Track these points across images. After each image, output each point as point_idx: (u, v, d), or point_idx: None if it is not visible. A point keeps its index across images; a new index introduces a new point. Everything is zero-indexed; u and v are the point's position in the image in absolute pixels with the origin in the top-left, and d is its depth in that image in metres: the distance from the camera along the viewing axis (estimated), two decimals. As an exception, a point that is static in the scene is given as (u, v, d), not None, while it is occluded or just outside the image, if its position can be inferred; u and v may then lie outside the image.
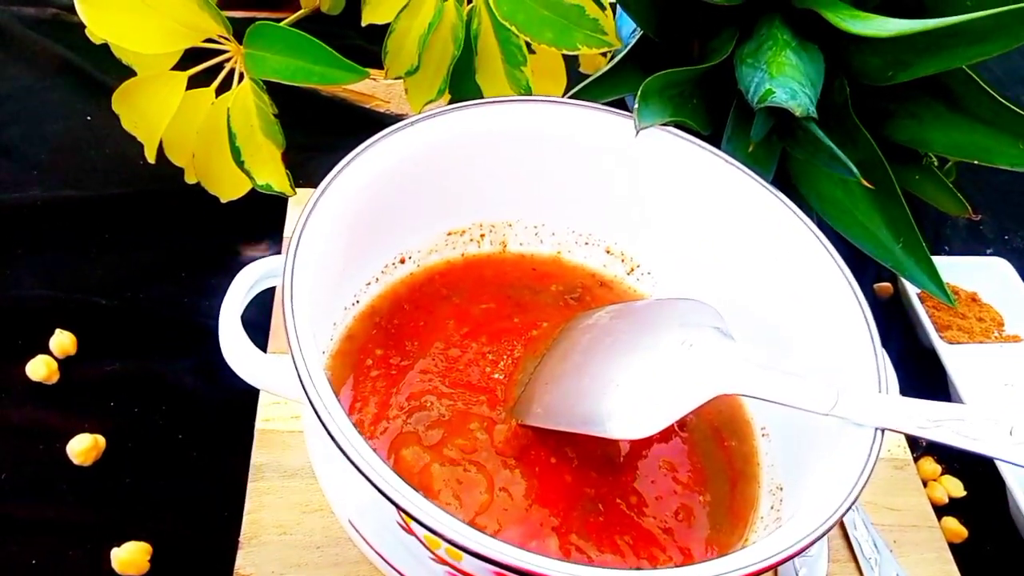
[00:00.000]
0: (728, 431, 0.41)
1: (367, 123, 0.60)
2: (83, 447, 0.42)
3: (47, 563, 0.39)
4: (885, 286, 0.60)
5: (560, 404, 0.36)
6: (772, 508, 0.37)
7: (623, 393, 0.35)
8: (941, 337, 0.55)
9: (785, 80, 0.44)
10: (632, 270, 0.47)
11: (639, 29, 0.49)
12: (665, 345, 0.36)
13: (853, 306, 0.37)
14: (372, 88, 0.63)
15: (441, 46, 0.48)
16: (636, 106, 0.42)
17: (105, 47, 0.49)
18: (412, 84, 0.49)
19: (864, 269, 0.60)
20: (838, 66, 0.48)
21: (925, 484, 0.49)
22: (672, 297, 0.43)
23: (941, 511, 0.48)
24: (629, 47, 0.49)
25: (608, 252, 0.47)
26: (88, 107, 0.59)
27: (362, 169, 0.38)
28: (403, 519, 0.30)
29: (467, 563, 0.30)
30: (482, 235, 0.46)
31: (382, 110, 0.62)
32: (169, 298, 0.50)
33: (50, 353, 0.45)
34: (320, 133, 0.57)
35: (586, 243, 0.47)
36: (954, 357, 0.54)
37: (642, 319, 0.39)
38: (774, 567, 0.29)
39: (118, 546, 0.39)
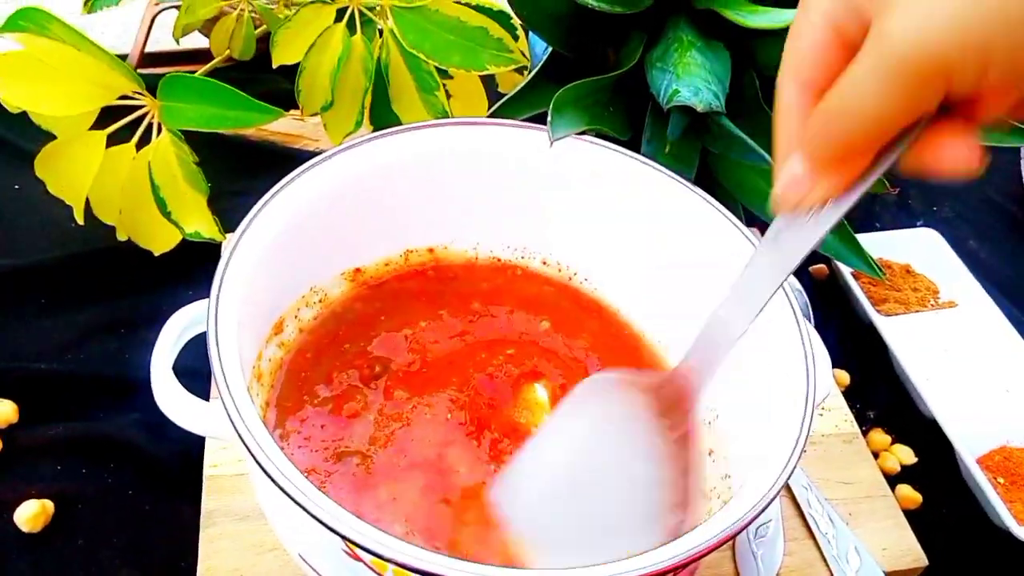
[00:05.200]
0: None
1: (298, 163, 0.61)
2: (31, 513, 0.41)
3: (3, 636, 0.39)
4: (820, 268, 0.61)
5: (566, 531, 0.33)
6: (720, 499, 0.38)
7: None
8: (878, 311, 0.56)
9: (691, 79, 0.45)
10: (570, 279, 0.47)
11: (549, 45, 0.50)
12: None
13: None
14: (300, 128, 0.64)
15: (353, 79, 0.48)
16: (549, 118, 0.43)
17: (24, 115, 0.49)
18: (329, 119, 0.50)
19: (798, 254, 0.61)
20: (745, 60, 0.50)
21: (877, 456, 0.50)
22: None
23: (895, 480, 0.49)
24: (541, 63, 0.50)
25: (545, 263, 0.47)
26: (16, 177, 0.59)
27: (282, 207, 0.38)
28: (348, 546, 0.30)
29: (415, 582, 0.30)
30: (419, 260, 0.46)
31: (312, 149, 0.63)
32: (110, 356, 0.49)
33: (-9, 424, 0.45)
34: (251, 178, 0.57)
35: (522, 257, 0.47)
36: (892, 329, 0.55)
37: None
38: (714, 549, 0.29)
39: (75, 610, 0.39)
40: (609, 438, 0.34)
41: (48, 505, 0.42)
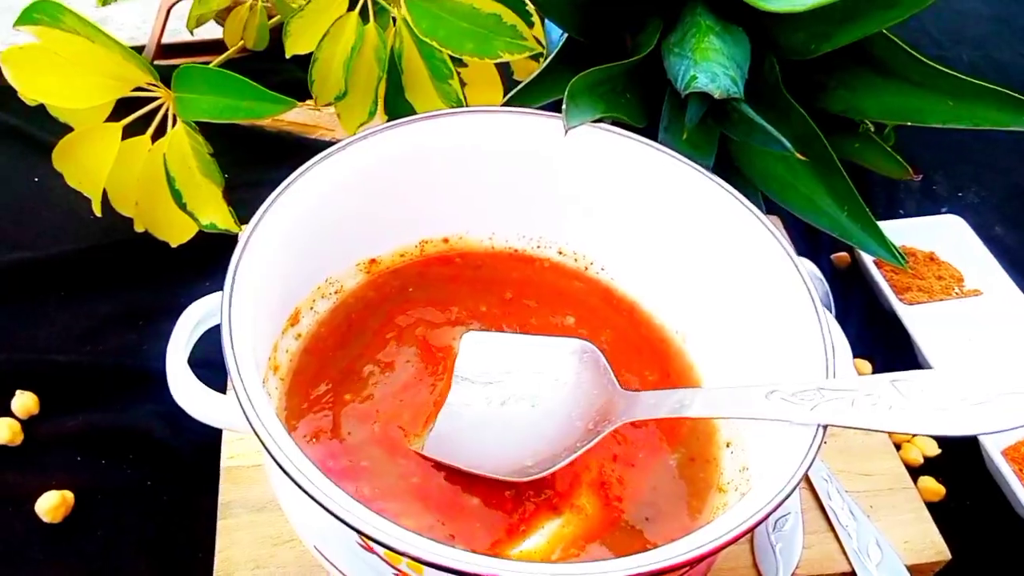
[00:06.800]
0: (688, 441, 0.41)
1: (313, 154, 0.61)
2: (51, 504, 0.41)
3: (24, 626, 0.39)
4: (842, 256, 0.60)
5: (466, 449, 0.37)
6: (737, 491, 0.38)
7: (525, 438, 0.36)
8: (900, 299, 0.55)
9: (709, 65, 0.45)
10: (586, 268, 0.47)
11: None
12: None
13: (795, 279, 0.38)
14: (315, 118, 0.63)
15: (366, 69, 0.48)
16: (564, 106, 0.42)
17: (42, 107, 0.50)
18: (343, 108, 0.50)
19: (820, 241, 0.60)
20: (765, 45, 0.49)
21: (899, 447, 0.49)
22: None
23: (917, 472, 0.49)
24: (557, 50, 0.50)
25: (561, 253, 0.47)
26: (35, 169, 0.59)
27: (296, 197, 0.38)
28: (362, 539, 0.30)
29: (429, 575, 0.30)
30: (436, 250, 0.46)
31: (327, 139, 0.63)
32: (128, 348, 0.50)
33: (12, 415, 0.45)
34: (266, 168, 0.57)
35: (538, 247, 0.47)
36: (915, 317, 0.54)
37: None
38: (733, 542, 0.29)
39: (94, 600, 0.39)
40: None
41: (68, 496, 0.42)
